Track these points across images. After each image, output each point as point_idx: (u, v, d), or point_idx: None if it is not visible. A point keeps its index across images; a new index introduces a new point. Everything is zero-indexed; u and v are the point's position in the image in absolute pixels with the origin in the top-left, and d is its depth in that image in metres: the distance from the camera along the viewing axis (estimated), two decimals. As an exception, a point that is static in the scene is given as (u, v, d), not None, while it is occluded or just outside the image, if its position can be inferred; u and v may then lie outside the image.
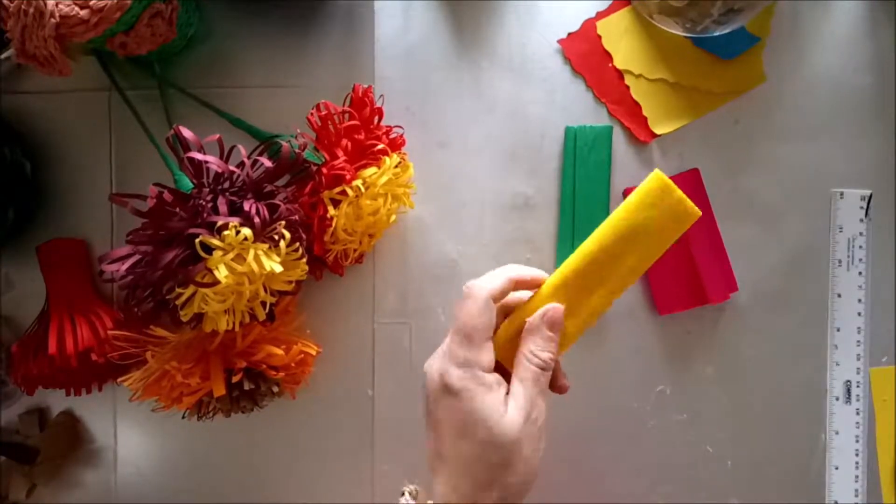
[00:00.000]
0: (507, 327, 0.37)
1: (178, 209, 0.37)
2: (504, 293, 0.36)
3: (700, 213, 0.35)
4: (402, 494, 0.36)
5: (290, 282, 0.41)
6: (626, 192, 0.48)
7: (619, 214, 0.35)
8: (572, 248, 0.46)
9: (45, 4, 0.36)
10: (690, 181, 0.48)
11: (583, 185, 0.48)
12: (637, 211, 0.35)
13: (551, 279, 0.37)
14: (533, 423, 0.34)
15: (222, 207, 0.36)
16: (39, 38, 0.37)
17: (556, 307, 0.36)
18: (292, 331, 0.47)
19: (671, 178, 0.46)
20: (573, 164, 0.47)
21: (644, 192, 0.35)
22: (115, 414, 0.49)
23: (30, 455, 0.47)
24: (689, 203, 0.35)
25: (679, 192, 0.35)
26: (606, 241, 0.36)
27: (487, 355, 0.35)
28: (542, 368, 0.35)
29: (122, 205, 0.36)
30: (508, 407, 0.34)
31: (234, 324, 0.39)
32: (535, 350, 0.35)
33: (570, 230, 0.48)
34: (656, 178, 0.35)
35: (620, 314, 0.48)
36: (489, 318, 0.35)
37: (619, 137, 0.48)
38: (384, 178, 0.42)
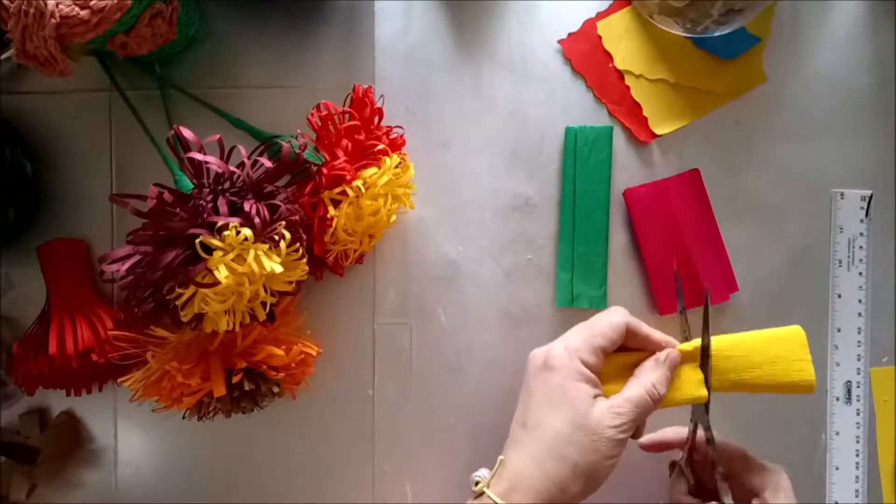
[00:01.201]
0: (622, 357, 0.40)
1: (178, 209, 0.37)
2: (640, 341, 0.40)
3: (813, 389, 0.39)
4: (476, 484, 0.37)
5: (291, 282, 0.41)
6: (626, 194, 0.48)
7: (757, 337, 0.40)
8: (573, 249, 0.47)
9: (46, 5, 0.36)
10: (691, 182, 0.48)
11: (583, 186, 0.48)
12: (770, 344, 0.40)
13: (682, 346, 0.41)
14: (621, 433, 0.36)
15: (223, 208, 0.36)
16: (40, 38, 0.37)
17: (678, 353, 0.40)
18: (293, 331, 0.47)
19: (671, 178, 0.47)
20: (573, 165, 0.47)
21: (784, 337, 0.40)
22: (115, 414, 0.49)
23: (30, 455, 0.47)
24: (809, 374, 0.39)
25: (808, 361, 0.39)
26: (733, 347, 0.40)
27: (596, 360, 0.38)
28: (654, 400, 0.38)
29: (122, 205, 0.36)
30: (601, 406, 0.37)
31: (234, 324, 0.39)
32: (656, 382, 0.38)
33: (571, 231, 0.48)
34: (797, 333, 0.40)
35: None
36: (617, 336, 0.39)
37: (619, 138, 0.48)
38: (384, 179, 0.42)
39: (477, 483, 0.37)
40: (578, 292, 0.48)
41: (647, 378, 0.38)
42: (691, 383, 0.40)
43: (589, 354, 0.38)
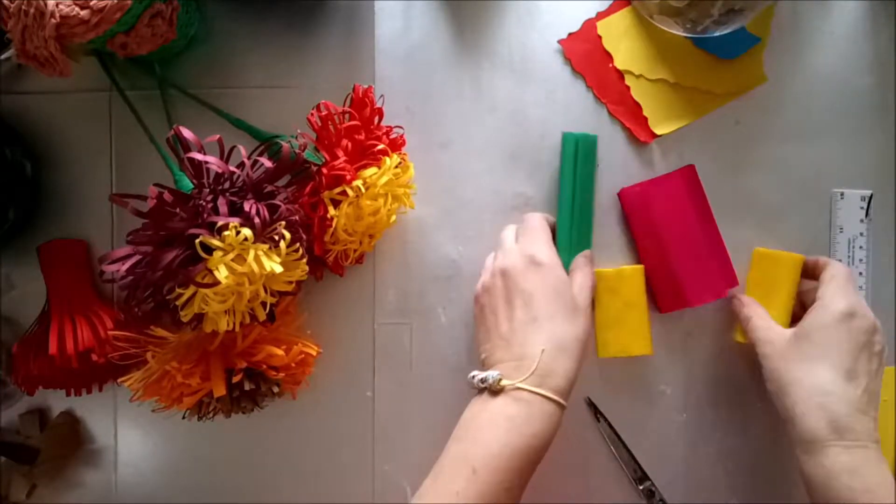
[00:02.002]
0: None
1: (178, 209, 0.37)
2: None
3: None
4: (498, 381, 0.40)
5: (291, 282, 0.41)
6: (621, 194, 0.48)
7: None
8: (570, 255, 0.46)
9: (46, 5, 0.36)
10: (686, 178, 0.48)
11: (579, 191, 0.47)
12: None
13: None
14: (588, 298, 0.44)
15: (222, 208, 0.36)
16: (40, 38, 0.37)
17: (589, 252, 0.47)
18: (293, 331, 0.47)
19: (665, 175, 0.47)
20: (573, 169, 0.47)
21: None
22: (115, 414, 0.49)
23: (30, 455, 0.47)
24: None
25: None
26: None
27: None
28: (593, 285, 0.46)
29: (122, 205, 0.36)
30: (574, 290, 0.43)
31: (234, 324, 0.39)
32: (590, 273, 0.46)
33: (568, 236, 0.47)
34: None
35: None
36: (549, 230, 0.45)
37: (619, 138, 0.48)
38: (384, 179, 0.42)
39: (499, 380, 0.39)
40: None
41: (584, 268, 0.45)
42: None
43: (550, 247, 0.44)
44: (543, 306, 0.41)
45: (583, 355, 0.41)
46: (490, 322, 0.42)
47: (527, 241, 0.43)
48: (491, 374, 0.39)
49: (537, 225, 0.44)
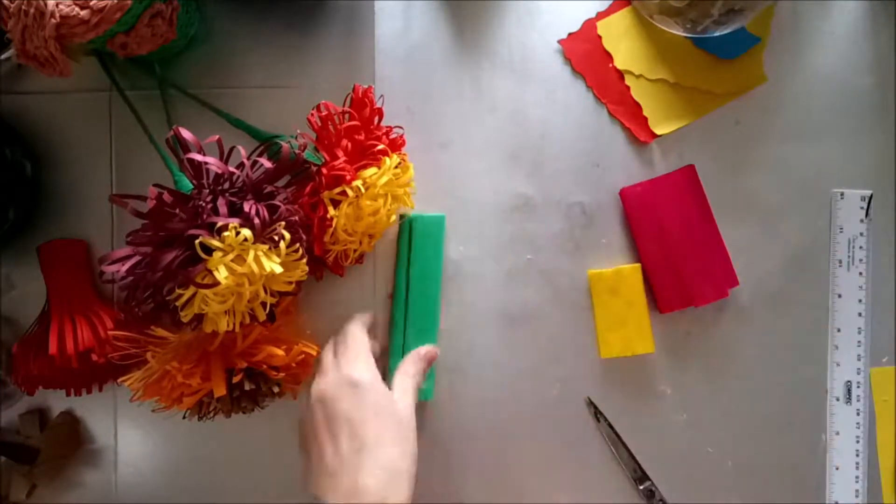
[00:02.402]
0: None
1: (177, 210, 0.36)
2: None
3: None
4: None
5: (291, 282, 0.41)
6: (622, 194, 0.48)
7: None
8: (404, 339, 0.47)
9: (46, 5, 0.36)
10: (686, 178, 0.48)
11: (417, 277, 0.47)
12: None
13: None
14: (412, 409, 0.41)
15: (222, 208, 0.36)
16: (40, 38, 0.37)
17: (436, 351, 0.45)
18: (293, 331, 0.47)
19: (665, 175, 0.47)
20: (408, 255, 0.47)
21: None
22: (115, 414, 0.49)
23: (30, 455, 0.47)
24: None
25: None
26: None
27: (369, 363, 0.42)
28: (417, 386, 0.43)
29: (121, 205, 0.36)
30: (398, 402, 0.41)
31: (234, 324, 0.39)
32: (416, 374, 0.43)
33: (403, 321, 0.47)
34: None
35: (621, 314, 0.48)
36: (367, 337, 0.44)
37: (619, 138, 0.48)
38: (384, 179, 0.42)
39: None
40: None
41: (409, 370, 0.43)
42: None
43: (365, 363, 0.41)
44: (369, 431, 0.38)
45: (415, 468, 0.39)
46: (315, 456, 0.39)
47: (344, 360, 0.41)
48: None
49: (353, 338, 0.43)
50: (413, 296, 0.47)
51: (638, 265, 0.47)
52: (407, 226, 0.47)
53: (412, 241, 0.47)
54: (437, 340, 0.48)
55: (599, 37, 0.48)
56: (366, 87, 0.43)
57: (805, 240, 0.49)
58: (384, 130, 0.44)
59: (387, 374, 0.47)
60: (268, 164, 0.39)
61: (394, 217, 0.45)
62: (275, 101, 0.48)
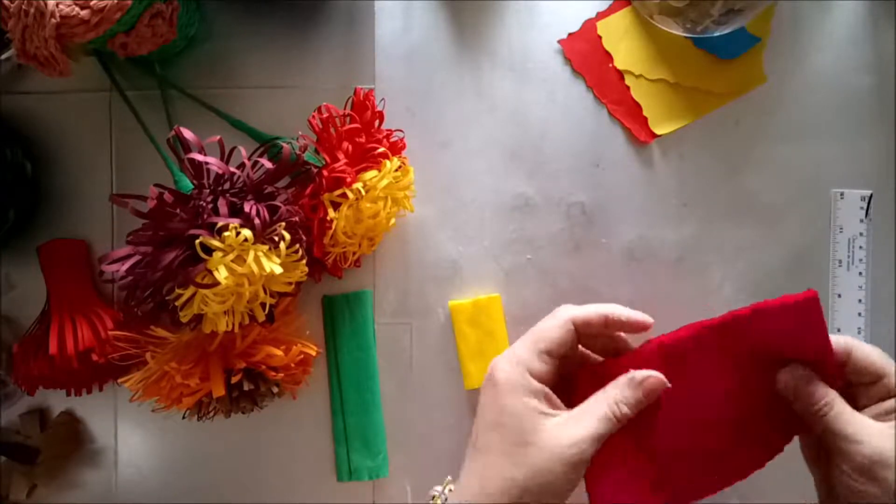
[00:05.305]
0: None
1: (178, 210, 0.37)
2: (591, 325, 0.37)
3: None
4: (434, 498, 0.35)
5: (290, 283, 0.41)
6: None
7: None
8: (344, 422, 0.47)
9: (46, 5, 0.36)
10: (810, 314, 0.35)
11: (347, 355, 0.48)
12: None
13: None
14: (577, 454, 0.33)
15: (223, 208, 0.36)
16: (40, 38, 0.37)
17: (662, 380, 0.35)
18: (292, 332, 0.47)
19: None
20: (333, 335, 0.47)
21: None
22: (115, 414, 0.49)
23: (30, 455, 0.47)
24: None
25: None
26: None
27: (544, 366, 0.36)
28: (617, 419, 0.34)
29: (122, 205, 0.36)
30: (554, 423, 0.34)
31: (233, 325, 0.39)
32: (622, 401, 0.34)
33: (339, 403, 0.48)
34: None
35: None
36: (560, 336, 0.36)
37: (619, 138, 0.48)
38: (384, 182, 0.42)
39: (433, 497, 0.36)
40: (356, 466, 0.47)
41: (613, 392, 0.35)
42: None
43: (536, 362, 0.35)
44: (481, 433, 0.35)
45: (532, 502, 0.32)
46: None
47: (515, 346, 0.37)
48: (434, 490, 0.36)
49: (539, 327, 0.37)
50: (346, 377, 0.47)
51: (497, 296, 0.47)
52: (328, 308, 0.48)
53: (335, 320, 0.47)
54: (382, 420, 0.48)
55: (599, 37, 0.48)
56: (367, 90, 0.43)
57: (805, 240, 0.49)
58: (385, 133, 0.44)
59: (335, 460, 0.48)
60: (268, 165, 0.39)
61: (393, 221, 0.45)
62: (275, 101, 0.48)
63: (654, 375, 0.35)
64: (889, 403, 0.34)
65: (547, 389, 0.35)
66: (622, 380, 0.35)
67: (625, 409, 0.34)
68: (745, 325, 0.35)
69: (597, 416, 0.34)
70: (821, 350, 0.35)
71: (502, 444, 0.33)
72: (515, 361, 0.35)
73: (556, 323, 0.37)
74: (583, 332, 0.37)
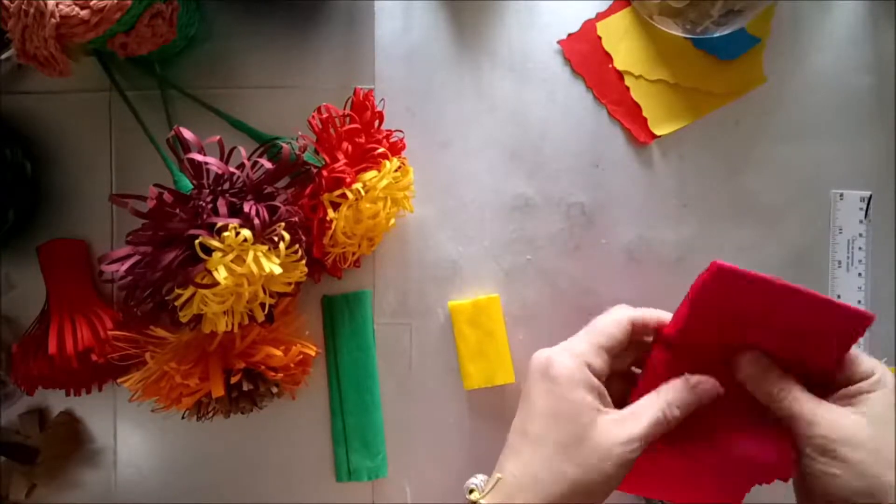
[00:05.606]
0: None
1: (178, 210, 0.37)
2: (647, 328, 0.38)
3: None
4: (471, 492, 0.35)
5: (290, 283, 0.41)
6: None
7: None
8: (343, 422, 0.47)
9: (46, 5, 0.36)
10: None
11: (346, 355, 0.48)
12: None
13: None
14: (629, 452, 0.33)
15: (222, 209, 0.36)
16: (40, 38, 0.37)
17: (715, 384, 0.36)
18: (291, 332, 0.47)
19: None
20: (333, 335, 0.48)
21: None
22: (115, 414, 0.49)
23: (30, 455, 0.47)
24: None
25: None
26: None
27: (602, 363, 0.36)
28: (668, 422, 0.34)
29: (121, 205, 0.36)
30: (607, 420, 0.34)
31: (233, 325, 0.39)
32: (675, 402, 0.35)
33: (339, 403, 0.48)
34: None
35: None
36: (620, 333, 0.37)
37: (619, 138, 0.48)
38: (384, 182, 0.42)
39: (471, 491, 0.35)
40: (355, 466, 0.47)
41: (666, 396, 0.35)
42: None
43: (594, 358, 0.36)
44: (536, 422, 0.35)
45: (576, 498, 0.33)
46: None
47: (573, 340, 0.37)
48: (471, 482, 0.36)
49: (595, 324, 0.37)
50: (345, 378, 0.47)
51: (496, 296, 0.47)
52: (328, 308, 0.48)
53: (333, 320, 0.47)
54: (382, 420, 0.48)
55: (599, 37, 0.48)
56: (367, 90, 0.43)
57: (805, 240, 0.49)
58: (384, 134, 0.44)
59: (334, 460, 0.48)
60: (268, 165, 0.39)
61: (392, 221, 0.45)
62: (275, 101, 0.48)
63: (708, 380, 0.35)
64: (849, 389, 0.34)
65: (602, 387, 0.36)
66: (677, 382, 0.35)
67: (676, 412, 0.34)
68: (804, 305, 0.36)
69: (649, 417, 0.34)
70: (832, 360, 0.35)
71: (558, 437, 0.34)
72: (577, 357, 0.35)
73: (616, 320, 0.37)
74: (636, 333, 0.38)
